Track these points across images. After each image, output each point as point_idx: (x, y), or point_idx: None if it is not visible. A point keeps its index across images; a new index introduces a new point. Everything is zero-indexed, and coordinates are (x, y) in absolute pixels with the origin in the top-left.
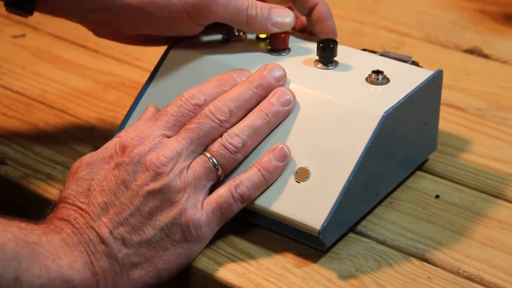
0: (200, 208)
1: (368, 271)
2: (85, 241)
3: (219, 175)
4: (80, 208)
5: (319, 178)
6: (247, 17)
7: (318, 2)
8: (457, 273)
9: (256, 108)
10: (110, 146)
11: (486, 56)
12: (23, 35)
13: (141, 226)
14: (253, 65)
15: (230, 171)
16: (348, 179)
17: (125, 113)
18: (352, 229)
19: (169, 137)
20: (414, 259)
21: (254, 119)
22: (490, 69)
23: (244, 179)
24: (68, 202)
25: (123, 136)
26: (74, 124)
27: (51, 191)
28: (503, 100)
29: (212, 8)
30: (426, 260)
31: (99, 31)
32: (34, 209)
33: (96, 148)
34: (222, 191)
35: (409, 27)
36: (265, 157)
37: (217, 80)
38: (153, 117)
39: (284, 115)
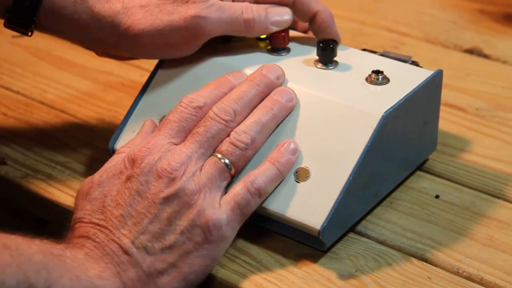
0: (218, 207)
1: (368, 271)
2: (108, 253)
3: (233, 174)
4: (97, 224)
5: (319, 178)
6: (245, 22)
7: (318, 9)
8: (457, 273)
9: (260, 105)
10: (118, 162)
11: (486, 56)
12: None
13: (162, 233)
14: (253, 65)
15: (242, 174)
16: (348, 179)
17: (125, 113)
18: (352, 229)
19: (176, 144)
20: (414, 259)
21: (260, 115)
22: (490, 69)
23: (258, 174)
24: (84, 222)
25: (130, 150)
26: (74, 124)
27: (51, 191)
28: (503, 100)
29: (206, 26)
30: (426, 260)
31: (100, 55)
32: (34, 209)
33: (96, 147)
34: (238, 188)
35: (409, 27)
36: (276, 152)
37: (213, 83)
38: (153, 130)
39: (288, 111)
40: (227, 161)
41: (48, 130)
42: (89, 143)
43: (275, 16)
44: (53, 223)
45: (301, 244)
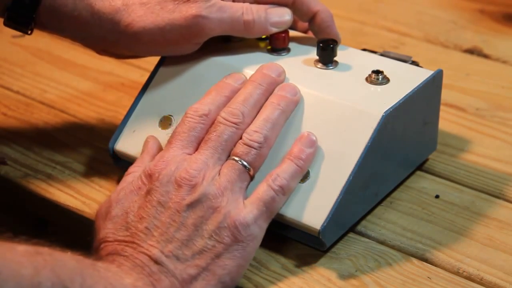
0: (243, 208)
1: (368, 271)
2: (139, 265)
3: (252, 175)
4: (123, 241)
5: (319, 178)
6: (245, 24)
7: (318, 10)
8: (457, 273)
9: (267, 103)
10: (135, 179)
11: (486, 56)
12: (23, 35)
13: (189, 239)
14: (253, 65)
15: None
16: (348, 179)
17: (125, 113)
18: (352, 229)
19: (189, 154)
20: (414, 259)
21: (268, 112)
22: (490, 69)
23: (279, 172)
24: (108, 241)
25: (143, 166)
26: (74, 124)
27: (51, 191)
28: (503, 100)
29: (206, 26)
30: (426, 260)
31: (100, 53)
32: (34, 209)
33: (96, 147)
34: (261, 188)
35: (409, 27)
36: (294, 148)
37: (214, 89)
38: (158, 145)
39: (294, 104)
40: (244, 162)
41: (48, 130)
42: (89, 143)
43: (274, 17)
44: (53, 223)
45: (301, 244)
